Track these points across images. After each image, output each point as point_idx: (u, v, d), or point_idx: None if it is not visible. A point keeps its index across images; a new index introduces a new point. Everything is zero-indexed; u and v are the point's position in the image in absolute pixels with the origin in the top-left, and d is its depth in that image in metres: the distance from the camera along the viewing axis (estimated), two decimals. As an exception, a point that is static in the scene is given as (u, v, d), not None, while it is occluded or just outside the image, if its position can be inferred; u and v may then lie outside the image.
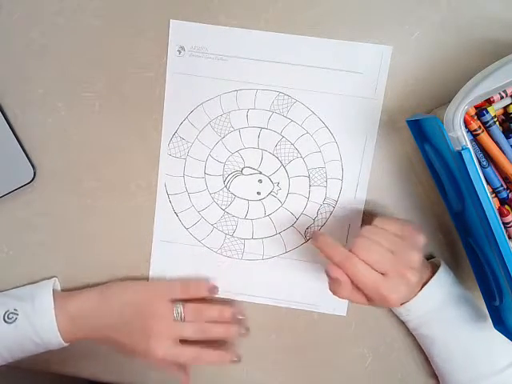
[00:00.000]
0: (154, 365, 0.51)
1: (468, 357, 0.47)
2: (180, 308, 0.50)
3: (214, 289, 0.53)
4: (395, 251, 0.43)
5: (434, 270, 0.48)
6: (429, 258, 0.53)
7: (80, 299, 0.51)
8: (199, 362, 0.50)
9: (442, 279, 0.47)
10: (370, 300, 0.44)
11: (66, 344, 0.50)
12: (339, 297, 0.44)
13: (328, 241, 0.45)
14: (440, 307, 0.47)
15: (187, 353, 0.50)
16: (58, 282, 0.55)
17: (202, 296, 0.52)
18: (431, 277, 0.47)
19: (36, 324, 0.48)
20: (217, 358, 0.51)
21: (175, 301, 0.51)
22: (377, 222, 0.46)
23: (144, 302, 0.50)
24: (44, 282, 0.54)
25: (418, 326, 0.49)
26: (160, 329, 0.49)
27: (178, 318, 0.50)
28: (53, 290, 0.51)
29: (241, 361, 0.53)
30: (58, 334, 0.49)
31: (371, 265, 0.42)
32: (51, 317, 0.48)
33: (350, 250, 0.43)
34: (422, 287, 0.46)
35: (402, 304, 0.46)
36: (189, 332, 0.50)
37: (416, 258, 0.43)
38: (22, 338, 0.48)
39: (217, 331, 0.51)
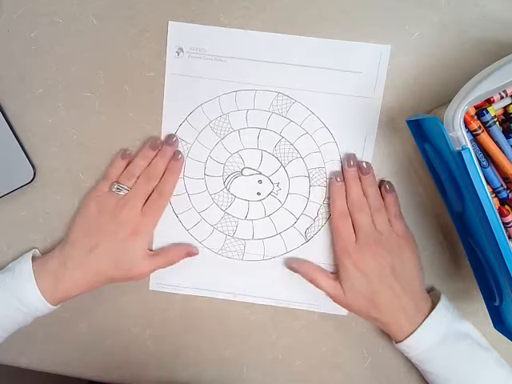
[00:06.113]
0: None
1: None
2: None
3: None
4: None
5: (435, 303, 0.49)
6: (429, 290, 0.53)
7: (56, 250, 0.51)
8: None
9: (441, 316, 0.48)
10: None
11: (53, 307, 0.49)
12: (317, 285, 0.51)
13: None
14: (438, 344, 0.47)
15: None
16: (38, 252, 0.54)
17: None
18: (430, 311, 0.48)
19: (17, 291, 0.48)
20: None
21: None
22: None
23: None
24: (25, 254, 0.53)
25: (420, 363, 0.49)
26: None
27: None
28: (33, 258, 0.51)
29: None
30: (40, 295, 0.48)
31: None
32: (31, 279, 0.48)
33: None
34: (422, 322, 0.47)
35: (400, 341, 0.48)
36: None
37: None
38: (7, 309, 0.48)
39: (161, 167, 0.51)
